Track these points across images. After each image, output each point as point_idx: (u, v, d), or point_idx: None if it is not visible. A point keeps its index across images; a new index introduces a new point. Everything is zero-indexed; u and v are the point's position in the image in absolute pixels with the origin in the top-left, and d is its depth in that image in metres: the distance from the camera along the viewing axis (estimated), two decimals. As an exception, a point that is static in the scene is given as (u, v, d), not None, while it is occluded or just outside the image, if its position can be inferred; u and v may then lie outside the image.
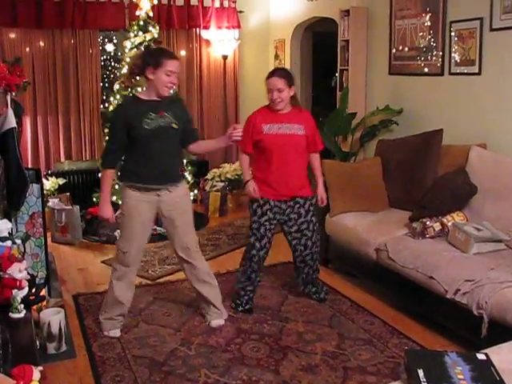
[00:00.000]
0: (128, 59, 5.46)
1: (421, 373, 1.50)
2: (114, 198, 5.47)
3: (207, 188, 6.13)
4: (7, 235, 2.61)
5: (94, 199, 5.60)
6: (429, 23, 4.53)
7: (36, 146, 5.96)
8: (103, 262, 4.64)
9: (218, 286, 3.47)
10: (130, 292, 3.32)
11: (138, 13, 5.49)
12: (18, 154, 3.18)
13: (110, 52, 7.22)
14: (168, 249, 4.84)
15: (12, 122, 3.11)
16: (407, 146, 4.28)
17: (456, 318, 3.07)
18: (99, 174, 5.66)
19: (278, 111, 3.40)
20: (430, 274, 3.19)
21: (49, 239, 4.25)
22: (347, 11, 5.27)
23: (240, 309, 3.60)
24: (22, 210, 3.43)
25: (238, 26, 6.67)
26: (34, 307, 2.98)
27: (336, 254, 4.31)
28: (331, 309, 3.66)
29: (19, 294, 2.38)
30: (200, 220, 5.46)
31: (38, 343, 2.58)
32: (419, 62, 4.68)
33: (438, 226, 3.53)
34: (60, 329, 3.05)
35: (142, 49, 5.41)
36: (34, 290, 2.63)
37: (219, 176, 6.23)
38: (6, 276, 2.38)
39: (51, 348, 3.05)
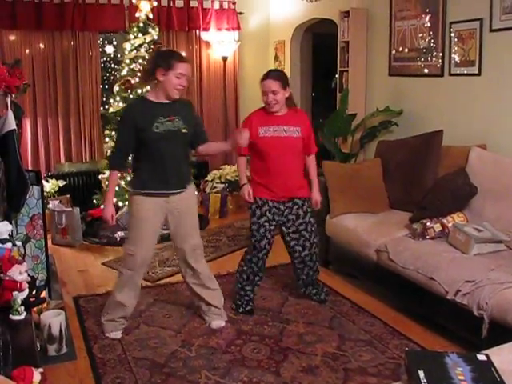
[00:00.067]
0: (128, 61, 5.47)
1: (421, 374, 1.50)
2: (115, 199, 5.47)
3: (207, 190, 6.14)
4: (7, 237, 2.61)
5: (95, 201, 5.60)
6: (428, 24, 4.54)
7: (36, 148, 5.96)
8: (104, 263, 4.64)
9: (219, 287, 3.47)
10: (135, 296, 3.31)
11: (137, 15, 5.50)
12: (18, 156, 3.19)
13: (109, 54, 7.23)
14: (168, 250, 4.84)
15: (12, 124, 3.11)
16: (407, 147, 4.28)
17: (456, 318, 3.07)
18: (99, 176, 5.68)
19: (273, 113, 3.40)
20: (430, 274, 3.18)
21: (49, 241, 4.25)
22: (347, 12, 5.27)
23: (241, 310, 3.59)
24: (22, 212, 3.44)
25: (238, 28, 6.68)
26: (35, 309, 2.98)
27: (336, 255, 4.31)
28: (332, 310, 3.66)
29: (19, 296, 2.37)
30: (200, 221, 5.42)
31: (38, 345, 2.58)
32: (419, 63, 4.68)
33: (438, 227, 3.53)
34: (60, 331, 3.05)
35: (142, 50, 5.42)
36: (34, 292, 2.62)
37: (219, 177, 6.23)
38: (7, 278, 2.38)
39: (52, 350, 3.04)
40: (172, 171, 3.09)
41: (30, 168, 5.62)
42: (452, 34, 4.30)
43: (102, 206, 5.53)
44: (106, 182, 5.54)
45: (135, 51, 5.47)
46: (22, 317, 2.34)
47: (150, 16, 5.56)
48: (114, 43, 7.27)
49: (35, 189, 3.49)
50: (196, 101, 6.61)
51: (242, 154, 3.51)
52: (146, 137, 3.01)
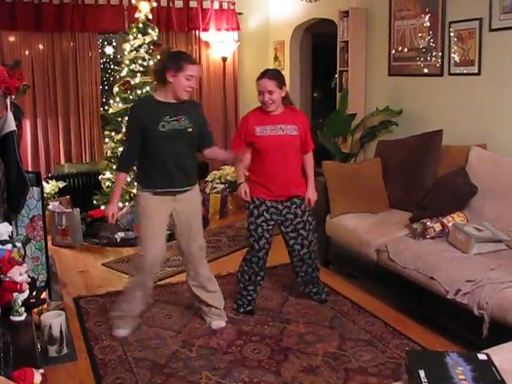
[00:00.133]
0: (127, 62, 5.47)
1: (422, 373, 1.50)
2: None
3: (207, 190, 6.14)
4: (7, 238, 2.61)
5: (95, 202, 5.60)
6: (428, 24, 4.54)
7: (36, 149, 5.96)
8: (104, 264, 4.64)
9: (219, 287, 3.47)
10: (145, 299, 3.31)
11: (137, 15, 5.50)
12: (18, 157, 3.19)
13: (109, 55, 7.22)
14: (169, 251, 4.82)
15: (12, 125, 3.11)
16: (407, 146, 4.28)
17: (457, 318, 3.07)
18: (99, 177, 5.68)
19: (270, 112, 3.40)
20: (430, 274, 3.18)
21: (49, 242, 4.25)
22: (346, 12, 5.27)
23: (241, 310, 3.60)
24: (22, 213, 3.44)
25: (238, 28, 6.68)
26: (35, 310, 2.98)
27: (336, 255, 4.31)
28: (332, 310, 3.66)
29: (20, 297, 2.38)
30: (200, 222, 5.46)
31: (38, 346, 2.58)
32: (419, 63, 4.68)
33: (438, 227, 3.53)
34: (61, 331, 3.05)
35: (142, 51, 5.42)
36: (34, 293, 2.63)
37: (219, 178, 6.23)
38: (7, 279, 2.38)
39: (52, 351, 3.04)
40: (178, 170, 3.10)
41: (29, 169, 5.61)
42: (451, 34, 4.30)
43: (102, 207, 5.54)
44: (107, 183, 5.55)
45: (135, 52, 5.47)
46: (23, 318, 2.34)
47: (150, 17, 5.56)
48: (114, 44, 7.26)
49: (35, 190, 3.48)
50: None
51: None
52: (151, 136, 3.02)
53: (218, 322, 3.41)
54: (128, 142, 3.18)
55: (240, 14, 6.71)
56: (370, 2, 5.24)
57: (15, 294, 2.37)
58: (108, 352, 3.13)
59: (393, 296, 3.73)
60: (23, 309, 2.37)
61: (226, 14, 6.59)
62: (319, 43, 7.15)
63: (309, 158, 3.62)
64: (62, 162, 6.12)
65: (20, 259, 2.66)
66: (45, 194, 4.67)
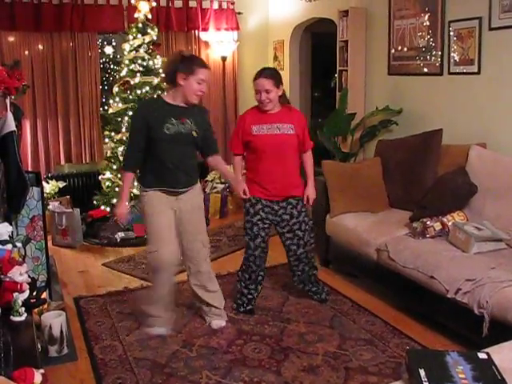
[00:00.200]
0: (127, 61, 5.47)
1: (422, 372, 1.50)
2: (115, 200, 5.48)
3: (207, 190, 6.14)
4: (8, 238, 2.61)
5: (95, 202, 5.60)
6: (427, 23, 4.54)
7: (36, 149, 5.96)
8: (104, 264, 4.64)
9: (219, 287, 3.47)
10: (169, 293, 3.29)
11: (136, 15, 5.50)
12: (18, 158, 3.19)
13: (109, 55, 7.22)
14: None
15: (12, 125, 3.11)
16: (407, 146, 4.29)
17: (457, 317, 3.07)
18: (99, 177, 5.68)
19: (267, 111, 3.40)
20: (430, 273, 3.18)
21: (49, 242, 4.26)
22: (346, 12, 5.27)
23: (241, 309, 3.60)
24: (22, 213, 3.44)
25: (237, 28, 6.68)
26: (35, 310, 2.98)
27: (337, 254, 4.31)
28: (332, 309, 3.66)
29: (20, 297, 2.38)
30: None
31: (39, 346, 2.58)
32: (418, 62, 4.68)
33: (438, 226, 3.53)
34: (61, 331, 3.06)
35: (141, 51, 5.42)
36: (34, 293, 2.63)
37: (219, 178, 6.23)
38: (7, 279, 2.39)
39: (53, 351, 3.05)
40: (181, 171, 3.12)
41: (29, 169, 5.61)
42: (451, 33, 4.30)
43: (102, 207, 5.54)
44: (107, 183, 5.55)
45: (134, 52, 5.47)
46: (23, 318, 2.34)
47: (149, 16, 5.56)
48: (113, 44, 7.26)
49: (35, 190, 3.48)
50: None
51: (237, 153, 3.51)
52: (155, 137, 3.02)
53: (218, 322, 3.41)
54: (132, 141, 3.14)
55: (239, 13, 6.71)
56: (369, 2, 5.24)
57: (15, 294, 2.37)
58: (108, 352, 3.13)
59: (393, 295, 3.74)
60: (23, 309, 2.37)
61: (225, 14, 6.58)
62: (319, 43, 7.15)
63: (308, 157, 3.62)
64: (62, 162, 6.12)
65: (20, 259, 2.66)
66: (45, 194, 4.67)
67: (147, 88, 5.42)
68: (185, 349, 3.15)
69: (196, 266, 3.30)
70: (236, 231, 5.49)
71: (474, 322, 2.87)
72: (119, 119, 5.48)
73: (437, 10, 4.42)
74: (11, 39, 5.70)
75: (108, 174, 5.54)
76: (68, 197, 5.67)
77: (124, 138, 5.41)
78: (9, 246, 2.56)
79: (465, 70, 4.22)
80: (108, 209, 5.53)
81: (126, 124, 5.42)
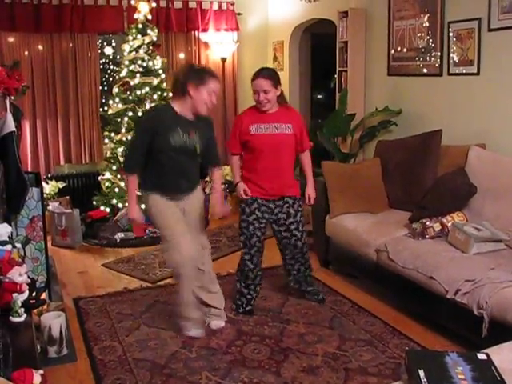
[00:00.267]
0: (127, 62, 5.48)
1: (422, 373, 1.50)
2: (114, 201, 5.48)
3: (207, 190, 6.13)
4: (7, 239, 2.61)
5: (94, 202, 5.61)
6: (427, 24, 4.54)
7: (35, 150, 5.96)
8: (103, 265, 4.64)
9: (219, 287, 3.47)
10: (202, 294, 3.29)
11: (136, 16, 5.51)
12: (18, 158, 3.19)
13: (108, 55, 7.23)
14: (168, 251, 4.83)
15: (11, 125, 3.11)
16: (406, 146, 4.29)
17: (456, 318, 3.07)
18: (99, 178, 5.68)
19: (265, 111, 3.40)
20: (430, 274, 3.19)
21: (49, 243, 4.25)
22: (345, 12, 5.27)
23: (241, 310, 3.60)
24: (21, 213, 3.44)
25: (237, 29, 6.68)
26: (35, 311, 2.98)
27: (336, 255, 4.31)
28: (332, 310, 3.66)
29: (19, 298, 2.38)
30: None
31: (38, 347, 2.58)
32: (418, 63, 4.68)
33: (437, 227, 3.53)
34: (61, 332, 3.05)
35: (141, 51, 5.43)
36: (34, 294, 2.63)
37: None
38: (7, 280, 2.39)
39: (52, 352, 3.04)
40: (184, 178, 3.13)
41: (29, 170, 5.61)
42: (450, 34, 4.31)
43: (101, 208, 5.54)
44: (106, 184, 5.55)
45: (134, 52, 5.48)
46: (22, 319, 2.34)
47: (149, 17, 5.57)
48: (113, 44, 7.27)
49: (35, 190, 3.48)
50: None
51: (235, 152, 3.51)
52: (160, 145, 3.01)
53: (218, 322, 3.41)
54: (137, 143, 3.12)
55: (239, 14, 6.71)
56: (369, 3, 5.24)
57: (15, 295, 2.37)
58: (108, 353, 3.13)
59: (392, 296, 3.74)
60: (23, 310, 2.37)
61: (225, 15, 6.59)
62: (318, 43, 7.15)
63: (305, 156, 3.63)
64: (62, 162, 6.12)
65: (20, 260, 2.65)
66: (44, 195, 4.66)
67: (147, 89, 5.43)
68: (184, 349, 3.15)
69: (198, 268, 3.29)
70: (236, 232, 5.47)
71: (474, 322, 2.87)
72: (119, 120, 5.48)
73: (436, 10, 4.43)
74: (11, 40, 5.70)
75: (108, 175, 5.55)
76: (67, 197, 5.67)
77: (124, 139, 5.41)
78: (8, 247, 2.56)
79: (464, 71, 4.22)
80: (108, 209, 5.53)
81: (126, 125, 5.43)
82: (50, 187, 5.64)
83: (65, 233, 5.10)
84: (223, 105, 6.81)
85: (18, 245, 2.98)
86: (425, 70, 4.62)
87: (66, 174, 6.07)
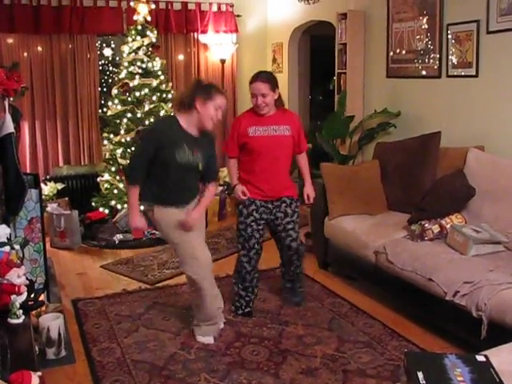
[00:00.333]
0: (126, 63, 5.48)
1: (420, 375, 1.50)
2: (113, 202, 5.48)
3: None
4: (6, 240, 2.60)
5: (93, 204, 5.60)
6: (426, 26, 4.54)
7: (34, 151, 5.96)
8: (102, 266, 4.63)
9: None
10: (216, 302, 3.28)
11: (135, 17, 5.51)
12: (17, 159, 3.18)
13: (107, 57, 7.23)
14: (167, 253, 4.84)
15: (10, 127, 3.11)
16: (405, 148, 4.29)
17: (455, 319, 3.07)
18: (98, 179, 5.68)
19: (263, 115, 3.40)
20: (428, 276, 3.19)
21: (48, 244, 4.25)
22: (344, 14, 5.28)
23: (240, 312, 3.59)
24: (20, 215, 3.43)
25: (236, 30, 6.68)
26: (33, 312, 2.97)
27: (335, 257, 4.31)
28: (331, 312, 3.66)
29: (18, 300, 2.37)
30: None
31: (36, 348, 2.58)
32: (417, 65, 4.69)
33: (436, 229, 3.54)
34: (59, 334, 3.05)
35: (140, 53, 5.43)
36: (32, 296, 2.63)
37: (218, 180, 6.22)
38: (5, 281, 2.38)
39: (50, 353, 3.04)
40: (187, 190, 3.15)
41: (28, 171, 5.61)
42: (449, 36, 4.31)
43: (100, 209, 5.53)
44: (105, 185, 5.55)
45: (133, 54, 5.48)
46: (21, 320, 2.34)
47: (148, 19, 5.57)
48: (112, 46, 7.27)
49: (33, 192, 3.48)
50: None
51: (232, 156, 3.51)
52: (166, 160, 3.02)
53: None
54: (142, 154, 3.10)
55: (238, 16, 6.72)
56: (368, 5, 5.25)
57: (13, 297, 2.37)
58: (106, 354, 3.12)
59: (391, 298, 3.73)
60: (21, 311, 2.36)
61: (224, 16, 6.59)
62: (317, 45, 7.15)
63: (302, 158, 3.65)
64: (61, 163, 6.12)
65: (18, 261, 2.65)
66: (43, 196, 4.66)
67: (146, 90, 5.43)
68: (183, 351, 3.15)
69: None
70: (234, 233, 5.46)
71: (473, 324, 2.87)
72: (118, 121, 5.48)
73: (435, 13, 4.43)
74: (10, 41, 5.70)
75: (106, 176, 5.55)
76: (66, 199, 5.66)
77: (123, 140, 5.41)
78: (7, 248, 2.55)
79: (463, 73, 4.23)
80: (106, 211, 5.52)
81: (125, 126, 5.43)
82: (48, 188, 5.64)
83: (63, 234, 5.09)
84: (222, 106, 6.80)
85: (17, 246, 2.98)
86: (424, 72, 4.63)
87: (65, 176, 6.07)
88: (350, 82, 5.33)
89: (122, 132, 5.43)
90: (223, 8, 6.59)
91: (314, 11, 6.05)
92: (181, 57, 6.52)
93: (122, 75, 5.49)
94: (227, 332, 3.37)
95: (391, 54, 4.97)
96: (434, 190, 3.80)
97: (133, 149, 5.35)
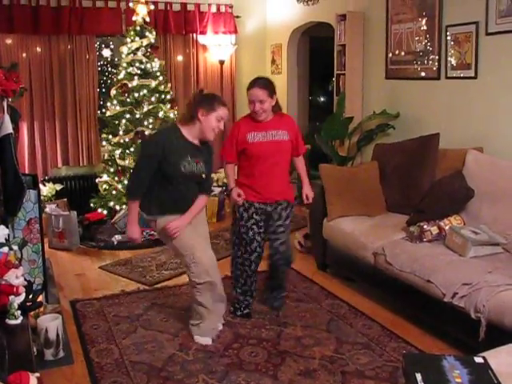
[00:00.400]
0: (125, 64, 5.48)
1: (419, 377, 1.50)
2: (112, 203, 5.48)
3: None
4: (4, 241, 2.60)
5: (92, 205, 5.60)
6: (425, 27, 4.55)
7: (33, 152, 5.96)
8: (101, 267, 4.63)
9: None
10: (219, 304, 3.29)
11: (134, 18, 5.51)
12: (15, 160, 3.18)
13: (106, 57, 7.23)
14: (165, 254, 4.83)
15: (9, 127, 3.11)
16: (404, 150, 4.29)
17: (454, 321, 3.07)
18: (96, 180, 5.68)
19: (260, 121, 3.40)
20: (427, 277, 3.19)
21: (46, 245, 4.23)
22: (343, 16, 5.29)
23: (238, 313, 3.59)
24: (18, 216, 3.43)
25: (235, 31, 6.69)
26: (31, 313, 2.97)
27: (334, 258, 4.31)
28: (329, 313, 3.65)
29: (16, 301, 2.37)
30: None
31: (35, 349, 2.57)
32: (416, 66, 4.69)
33: (435, 230, 3.54)
34: (57, 335, 3.04)
35: (139, 54, 5.43)
36: (30, 296, 2.62)
37: (216, 181, 6.23)
38: (3, 282, 2.37)
39: (48, 354, 3.03)
40: (189, 200, 3.17)
41: (26, 172, 5.61)
42: (448, 38, 4.32)
43: (99, 210, 5.53)
44: (104, 186, 5.55)
45: (132, 55, 5.48)
46: (19, 321, 2.33)
47: (147, 19, 5.57)
48: (111, 47, 7.28)
49: (32, 193, 3.48)
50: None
51: (230, 161, 3.50)
52: (171, 173, 3.04)
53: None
54: (143, 167, 3.09)
55: (237, 17, 6.72)
56: (367, 6, 5.26)
57: (11, 297, 2.36)
58: (104, 355, 3.12)
59: (390, 299, 3.73)
60: (19, 312, 2.35)
61: (223, 17, 6.60)
62: (316, 46, 7.16)
63: (300, 161, 3.67)
64: (59, 164, 6.12)
65: (16, 262, 2.64)
66: (42, 197, 4.66)
67: (145, 91, 5.43)
68: (181, 352, 3.14)
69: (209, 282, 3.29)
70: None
71: (471, 326, 2.87)
72: (116, 122, 5.48)
73: (434, 14, 4.44)
74: (9, 42, 5.70)
75: (105, 177, 5.54)
76: (65, 199, 5.66)
77: (121, 141, 5.41)
78: (5, 249, 2.55)
79: (462, 75, 4.23)
80: (105, 212, 5.52)
81: (124, 127, 5.43)
82: (47, 189, 5.63)
83: (62, 235, 5.09)
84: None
85: (15, 247, 2.97)
86: (423, 74, 4.63)
87: (64, 176, 6.07)
88: (349, 84, 5.34)
89: (121, 133, 5.43)
90: (222, 9, 6.60)
91: (313, 12, 6.06)
92: (180, 58, 6.52)
93: (121, 76, 5.49)
94: (226, 333, 3.37)
95: (390, 55, 4.97)
96: (432, 192, 3.80)
97: (131, 150, 5.35)
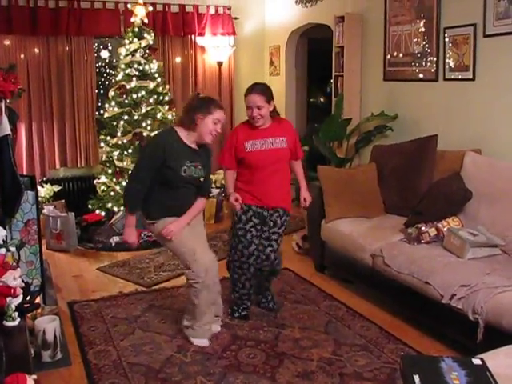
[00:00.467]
0: (123, 66, 5.47)
1: (417, 378, 1.50)
2: (110, 204, 5.47)
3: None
4: (1, 243, 2.60)
5: (90, 206, 5.59)
6: (423, 29, 4.56)
7: (31, 153, 5.94)
8: (98, 269, 4.62)
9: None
10: (215, 306, 3.30)
11: (133, 19, 5.51)
12: (13, 161, 3.17)
13: (105, 59, 7.23)
14: (163, 255, 4.83)
15: (6, 128, 3.10)
16: (402, 151, 4.30)
17: (452, 323, 3.07)
18: (94, 181, 5.67)
19: (258, 127, 3.40)
20: (425, 279, 3.19)
21: (44, 246, 4.24)
22: (342, 17, 5.29)
23: (236, 315, 3.59)
24: (16, 217, 3.42)
25: (233, 33, 6.69)
26: (29, 315, 2.97)
27: (332, 260, 4.31)
28: (327, 315, 3.65)
29: (13, 302, 2.36)
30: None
31: (32, 351, 2.57)
32: (414, 68, 4.70)
33: (433, 232, 3.54)
34: (55, 336, 3.04)
35: (137, 55, 5.43)
36: (28, 298, 2.61)
37: (214, 182, 6.22)
38: (0, 284, 2.37)
39: (46, 356, 3.03)
40: (188, 202, 3.18)
41: (24, 173, 5.60)
42: (446, 39, 4.32)
43: (97, 211, 5.52)
44: (102, 187, 5.54)
45: (130, 56, 5.48)
46: (16, 323, 2.33)
47: (146, 21, 5.57)
48: (110, 48, 7.27)
49: (30, 194, 3.47)
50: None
51: (229, 167, 3.49)
52: (172, 177, 3.05)
53: (213, 327, 3.39)
54: (143, 169, 3.09)
55: (236, 18, 6.72)
56: (365, 8, 5.26)
57: (9, 299, 2.36)
58: (102, 357, 3.11)
59: (388, 301, 3.73)
60: (17, 314, 2.35)
61: (221, 19, 6.59)
62: (315, 48, 7.17)
63: (297, 165, 3.67)
64: (57, 165, 6.10)
65: (14, 263, 2.64)
66: (40, 198, 4.65)
67: (143, 92, 5.42)
68: (179, 354, 3.14)
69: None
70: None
71: (469, 327, 2.87)
72: (115, 123, 5.48)
73: (432, 16, 4.45)
74: (7, 43, 5.69)
75: (103, 178, 5.54)
76: (63, 201, 5.65)
77: (119, 143, 5.41)
78: (2, 251, 2.55)
79: (460, 77, 4.24)
80: (103, 213, 5.51)
81: (122, 128, 5.42)
82: (45, 190, 5.62)
83: (60, 236, 5.08)
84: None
85: (13, 248, 2.97)
86: (421, 76, 4.64)
87: (62, 178, 6.05)
88: (347, 85, 5.34)
89: (119, 134, 5.43)
90: (220, 10, 6.60)
91: (312, 14, 6.06)
92: (178, 59, 6.52)
93: (119, 77, 5.49)
94: (224, 335, 3.37)
95: (388, 57, 4.98)
96: (430, 193, 3.80)
97: (130, 151, 5.35)
